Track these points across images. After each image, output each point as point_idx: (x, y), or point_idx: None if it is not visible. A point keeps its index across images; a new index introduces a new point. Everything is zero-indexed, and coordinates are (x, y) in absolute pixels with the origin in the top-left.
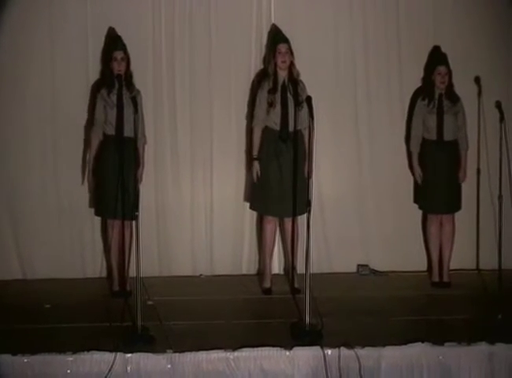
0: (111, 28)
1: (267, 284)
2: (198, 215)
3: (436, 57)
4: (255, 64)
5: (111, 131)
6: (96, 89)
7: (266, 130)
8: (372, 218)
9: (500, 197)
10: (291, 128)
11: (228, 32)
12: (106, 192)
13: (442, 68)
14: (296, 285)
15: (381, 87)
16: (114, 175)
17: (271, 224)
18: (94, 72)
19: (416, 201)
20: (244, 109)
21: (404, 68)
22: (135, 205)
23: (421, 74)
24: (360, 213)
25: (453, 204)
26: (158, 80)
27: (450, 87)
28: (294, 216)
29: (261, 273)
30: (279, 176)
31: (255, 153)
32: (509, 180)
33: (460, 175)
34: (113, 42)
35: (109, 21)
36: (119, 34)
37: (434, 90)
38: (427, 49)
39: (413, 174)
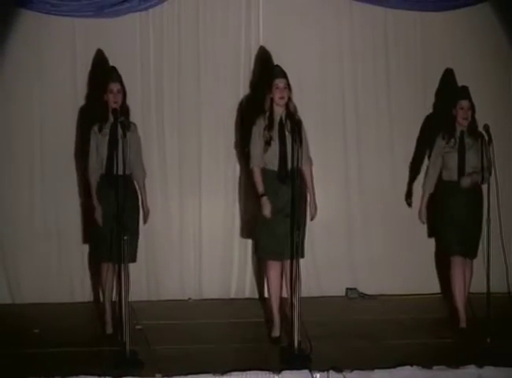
0: (99, 51)
1: (276, 333)
2: (186, 239)
3: (457, 90)
4: (244, 91)
5: (103, 169)
6: (85, 123)
7: (263, 171)
8: (360, 241)
9: (488, 220)
10: (289, 167)
11: (217, 58)
12: (103, 235)
13: (464, 103)
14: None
15: (370, 112)
16: (111, 217)
17: (275, 269)
18: (82, 97)
19: (441, 247)
20: (232, 136)
21: (392, 93)
22: (124, 230)
23: (410, 98)
24: (348, 237)
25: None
26: (146, 108)
27: (472, 123)
28: (293, 259)
29: (268, 320)
30: (279, 218)
31: (260, 189)
32: (497, 204)
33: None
34: (108, 73)
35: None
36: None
37: (455, 126)
38: (416, 72)
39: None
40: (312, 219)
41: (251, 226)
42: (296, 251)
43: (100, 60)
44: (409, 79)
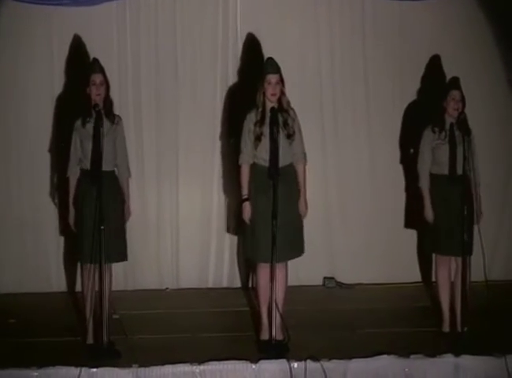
0: (76, 36)
1: (264, 336)
2: (163, 228)
3: (449, 81)
4: (221, 79)
5: (87, 165)
6: (62, 115)
7: (253, 166)
8: (338, 231)
9: (468, 210)
10: (281, 164)
11: (195, 46)
12: (85, 235)
13: (455, 93)
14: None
15: (348, 100)
16: (92, 216)
17: (264, 269)
18: (60, 88)
19: (425, 245)
20: (209, 125)
21: (370, 82)
22: (101, 220)
23: (388, 91)
24: (326, 226)
25: (468, 244)
26: (124, 98)
27: (462, 115)
28: (286, 260)
29: (257, 323)
30: (269, 217)
31: (245, 192)
32: (475, 198)
33: (476, 214)
34: (90, 65)
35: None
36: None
37: (444, 118)
38: (394, 60)
39: (424, 213)
40: (302, 218)
41: (239, 225)
42: (273, 240)
43: (77, 46)
44: (387, 67)
